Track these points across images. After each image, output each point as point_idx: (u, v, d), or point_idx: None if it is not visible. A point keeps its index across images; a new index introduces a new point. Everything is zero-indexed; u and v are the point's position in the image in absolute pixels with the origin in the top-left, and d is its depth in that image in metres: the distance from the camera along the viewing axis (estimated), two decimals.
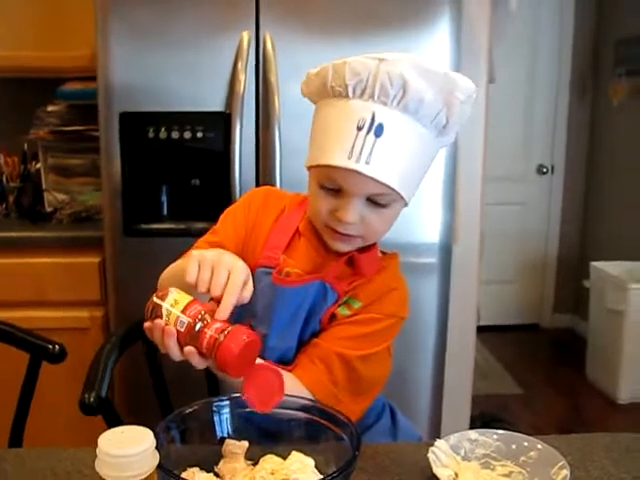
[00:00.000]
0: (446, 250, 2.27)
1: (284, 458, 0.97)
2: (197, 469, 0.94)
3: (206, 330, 0.92)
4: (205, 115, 2.08)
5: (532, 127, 4.47)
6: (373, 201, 1.12)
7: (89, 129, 2.43)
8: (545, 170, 4.51)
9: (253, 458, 0.99)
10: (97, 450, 0.75)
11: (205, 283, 0.97)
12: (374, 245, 1.25)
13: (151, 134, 2.09)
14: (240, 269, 0.99)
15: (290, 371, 1.17)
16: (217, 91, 2.07)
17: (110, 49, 2.03)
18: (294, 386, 1.13)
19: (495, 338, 4.29)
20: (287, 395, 0.98)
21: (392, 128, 1.07)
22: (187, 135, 2.09)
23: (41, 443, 1.25)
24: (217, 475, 0.95)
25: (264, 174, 2.12)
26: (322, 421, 0.99)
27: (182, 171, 2.16)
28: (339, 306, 1.21)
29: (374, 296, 1.22)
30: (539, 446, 1.05)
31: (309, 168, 1.17)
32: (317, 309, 1.21)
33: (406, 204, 1.16)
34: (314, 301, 1.20)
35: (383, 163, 1.07)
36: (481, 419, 3.13)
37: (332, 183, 1.11)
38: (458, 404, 2.50)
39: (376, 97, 1.06)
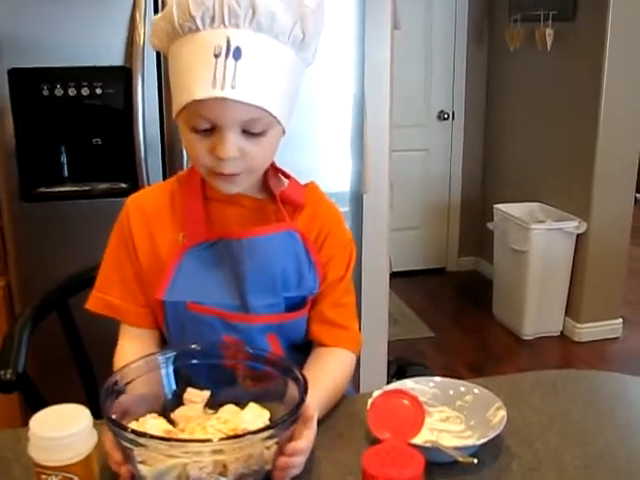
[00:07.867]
0: (357, 198, 2.28)
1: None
2: (155, 415, 0.95)
3: None
4: (104, 70, 1.98)
5: (431, 74, 4.50)
6: (248, 131, 1.05)
7: None
8: (446, 116, 4.57)
9: (214, 408, 1.00)
10: (29, 434, 0.70)
11: None
12: (291, 179, 1.22)
13: (46, 92, 1.98)
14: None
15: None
16: (115, 44, 1.97)
17: None
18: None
19: (404, 284, 4.36)
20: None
21: (250, 49, 1.02)
22: (85, 92, 1.99)
23: None
24: (172, 422, 0.96)
25: (169, 131, 2.04)
26: (268, 368, 1.02)
27: (82, 130, 2.05)
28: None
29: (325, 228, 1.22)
30: (476, 390, 1.07)
31: (176, 118, 1.10)
32: (291, 258, 1.16)
33: (283, 131, 1.11)
34: (287, 250, 1.16)
35: (249, 85, 1.02)
36: (396, 364, 3.20)
37: (203, 121, 1.04)
38: (375, 351, 2.52)
39: (227, 22, 1.01)
